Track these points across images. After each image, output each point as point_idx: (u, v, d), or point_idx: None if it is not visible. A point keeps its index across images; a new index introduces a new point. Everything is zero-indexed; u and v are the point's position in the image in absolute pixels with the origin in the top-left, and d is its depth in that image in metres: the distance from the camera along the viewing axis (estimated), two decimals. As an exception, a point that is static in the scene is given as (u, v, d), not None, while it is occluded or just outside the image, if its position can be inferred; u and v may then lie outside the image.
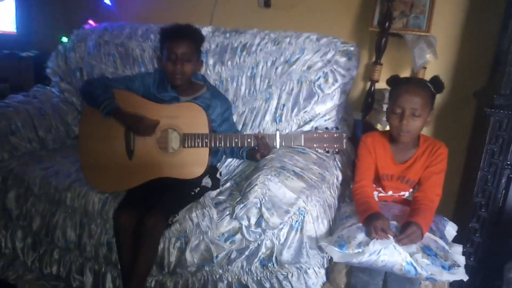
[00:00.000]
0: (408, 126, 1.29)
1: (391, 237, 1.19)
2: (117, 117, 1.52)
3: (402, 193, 1.46)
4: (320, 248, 1.30)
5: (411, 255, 1.16)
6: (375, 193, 1.47)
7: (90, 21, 2.51)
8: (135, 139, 1.54)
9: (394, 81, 1.38)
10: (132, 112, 1.53)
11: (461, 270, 1.15)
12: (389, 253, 1.17)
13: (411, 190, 1.44)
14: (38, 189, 1.68)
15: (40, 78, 2.45)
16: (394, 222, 1.25)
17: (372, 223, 1.21)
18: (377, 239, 1.19)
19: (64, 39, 2.47)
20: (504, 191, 1.50)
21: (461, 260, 1.21)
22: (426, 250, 1.17)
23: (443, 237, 1.29)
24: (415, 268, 1.15)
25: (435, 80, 1.34)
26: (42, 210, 1.68)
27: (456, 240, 1.38)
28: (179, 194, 1.48)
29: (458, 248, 1.27)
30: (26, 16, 2.96)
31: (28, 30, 2.98)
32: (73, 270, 1.66)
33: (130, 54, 2.04)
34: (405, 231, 1.18)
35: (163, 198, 1.44)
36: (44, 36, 2.95)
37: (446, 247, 1.23)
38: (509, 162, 1.48)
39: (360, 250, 1.19)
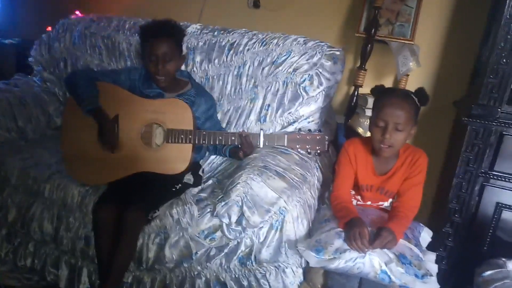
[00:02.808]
0: (390, 140, 1.28)
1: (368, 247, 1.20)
2: (94, 118, 1.51)
3: (381, 203, 1.47)
4: (298, 252, 1.32)
5: (387, 263, 1.18)
6: (354, 201, 1.48)
7: (77, 12, 2.48)
8: (119, 132, 1.53)
9: (378, 91, 1.36)
10: (110, 117, 1.51)
11: (434, 279, 1.19)
12: (364, 261, 1.19)
13: (390, 200, 1.45)
14: (16, 179, 1.64)
15: (22, 66, 2.40)
16: (370, 228, 1.26)
17: (352, 229, 1.21)
18: (355, 249, 1.20)
19: (49, 29, 2.42)
20: (477, 197, 1.55)
21: (434, 268, 1.24)
22: (402, 259, 1.20)
23: (418, 244, 1.32)
24: (389, 276, 1.18)
25: (421, 92, 1.32)
26: (19, 201, 1.65)
27: (430, 243, 1.42)
28: (160, 189, 1.48)
29: (432, 256, 1.31)
30: (10, 4, 2.89)
31: (12, 17, 2.91)
32: (48, 263, 1.64)
33: (117, 47, 2.02)
34: (378, 237, 1.20)
35: (144, 193, 1.43)
36: (29, 24, 2.89)
37: (421, 255, 1.26)
38: (483, 170, 1.53)
39: (337, 256, 1.21)
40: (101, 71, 1.71)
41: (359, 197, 1.48)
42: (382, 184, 1.41)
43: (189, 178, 1.57)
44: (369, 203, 1.47)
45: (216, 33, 1.92)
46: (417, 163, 1.36)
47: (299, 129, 1.54)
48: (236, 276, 1.41)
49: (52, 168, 1.64)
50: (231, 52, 1.85)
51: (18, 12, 2.94)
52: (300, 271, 1.40)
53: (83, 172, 1.55)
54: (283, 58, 1.76)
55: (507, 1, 1.43)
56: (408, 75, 2.03)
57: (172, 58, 1.57)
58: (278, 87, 1.76)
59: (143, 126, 1.53)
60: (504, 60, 1.46)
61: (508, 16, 1.44)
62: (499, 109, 1.49)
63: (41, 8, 2.88)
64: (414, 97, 1.32)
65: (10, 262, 1.70)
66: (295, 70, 1.74)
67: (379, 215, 1.38)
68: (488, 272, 1.32)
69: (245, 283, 1.40)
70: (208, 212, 1.40)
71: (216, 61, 1.86)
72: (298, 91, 1.72)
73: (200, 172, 1.65)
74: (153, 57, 1.54)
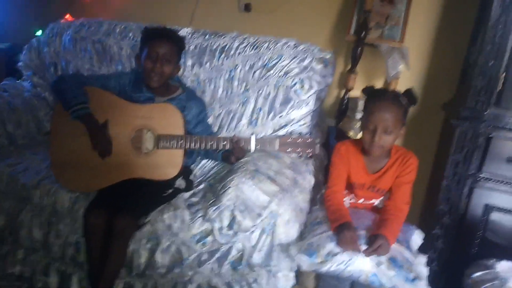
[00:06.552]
0: (380, 142, 1.32)
1: (360, 250, 1.22)
2: (83, 123, 1.48)
3: (373, 200, 1.49)
4: (290, 255, 1.32)
5: (378, 265, 1.20)
6: (347, 199, 1.50)
7: (67, 16, 2.46)
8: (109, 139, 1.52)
9: (369, 92, 1.40)
10: (99, 124, 1.50)
11: (423, 283, 1.20)
12: (356, 264, 1.21)
13: (381, 198, 1.48)
14: (5, 186, 1.62)
15: (11, 71, 2.37)
16: (363, 232, 1.28)
17: (344, 233, 1.24)
18: (346, 251, 1.22)
19: (39, 33, 2.41)
20: (466, 199, 1.56)
21: (424, 272, 1.25)
22: (392, 262, 1.21)
23: (409, 247, 1.33)
24: (379, 279, 1.19)
25: (409, 93, 1.36)
26: (8, 208, 1.62)
27: (421, 245, 1.43)
28: (151, 195, 1.47)
29: (422, 259, 1.31)
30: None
31: (1, 22, 2.88)
32: (37, 271, 1.61)
33: (107, 51, 2.01)
34: (372, 244, 1.22)
35: (135, 199, 1.42)
36: (18, 28, 2.86)
37: (411, 258, 1.27)
38: (471, 172, 1.54)
39: (328, 259, 1.22)
40: (90, 75, 1.70)
41: (352, 195, 1.51)
42: (374, 182, 1.44)
43: (180, 183, 1.56)
44: (361, 200, 1.49)
45: (207, 36, 1.92)
46: (407, 163, 1.40)
47: (291, 133, 1.54)
48: (228, 280, 1.40)
49: (42, 174, 1.62)
50: (222, 55, 1.85)
51: (7, 16, 2.91)
52: (292, 274, 1.40)
53: (72, 179, 1.52)
54: (274, 61, 1.77)
55: (494, 4, 1.45)
56: (398, 78, 2.05)
57: (171, 61, 1.57)
58: (270, 90, 1.76)
59: (133, 131, 1.52)
60: (492, 62, 1.48)
61: (495, 19, 1.46)
62: (486, 111, 1.50)
63: (31, 12, 2.85)
64: (403, 98, 1.36)
65: (-1, 269, 1.68)
66: (286, 73, 1.74)
67: (372, 219, 1.39)
68: (477, 274, 1.33)
69: (236, 287, 1.40)
70: (200, 216, 1.39)
71: (208, 64, 1.87)
72: (289, 95, 1.73)
73: (191, 177, 1.65)
74: (154, 53, 1.54)
